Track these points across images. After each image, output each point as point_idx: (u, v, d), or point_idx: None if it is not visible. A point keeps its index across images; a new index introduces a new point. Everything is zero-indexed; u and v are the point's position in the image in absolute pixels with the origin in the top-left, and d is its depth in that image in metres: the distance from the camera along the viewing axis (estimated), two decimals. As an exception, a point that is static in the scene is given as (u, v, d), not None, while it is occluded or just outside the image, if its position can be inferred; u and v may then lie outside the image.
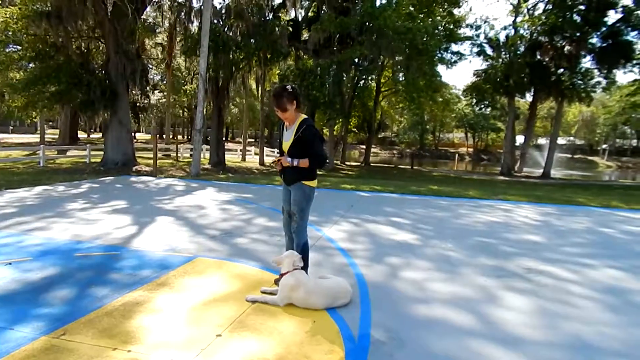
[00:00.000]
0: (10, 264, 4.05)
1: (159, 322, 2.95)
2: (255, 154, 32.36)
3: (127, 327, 2.85)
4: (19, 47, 23.80)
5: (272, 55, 21.42)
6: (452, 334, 2.96)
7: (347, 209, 8.00)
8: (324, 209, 7.81)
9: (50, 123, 51.65)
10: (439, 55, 24.42)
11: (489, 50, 28.25)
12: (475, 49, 28.08)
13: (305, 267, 3.56)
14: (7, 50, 23.89)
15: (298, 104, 3.65)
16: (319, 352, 2.63)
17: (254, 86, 35.11)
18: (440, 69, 47.97)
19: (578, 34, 24.31)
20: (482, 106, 33.29)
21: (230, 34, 19.81)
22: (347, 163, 32.16)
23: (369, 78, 28.92)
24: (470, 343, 2.84)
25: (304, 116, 3.69)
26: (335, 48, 21.87)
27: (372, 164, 31.82)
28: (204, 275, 3.97)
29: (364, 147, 43.60)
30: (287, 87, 3.64)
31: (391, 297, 3.60)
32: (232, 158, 28.12)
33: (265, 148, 28.75)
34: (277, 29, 20.36)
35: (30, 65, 21.77)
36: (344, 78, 23.39)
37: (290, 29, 21.31)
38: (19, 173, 13.09)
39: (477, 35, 28.03)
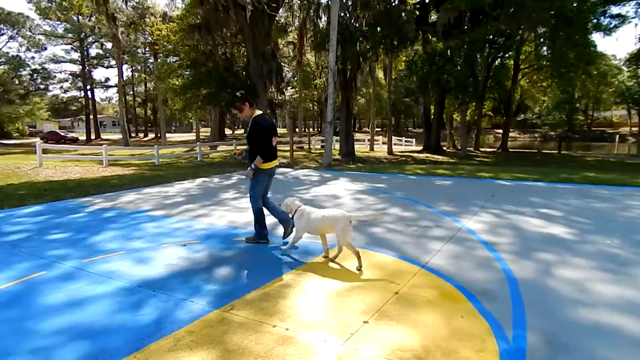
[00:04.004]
0: (184, 245, 4.76)
1: (310, 305, 3.17)
2: (383, 143, 32.31)
3: (283, 307, 3.13)
4: (177, 58, 27.52)
5: (398, 41, 21.03)
6: (625, 346, 2.58)
7: (486, 198, 7.49)
8: (461, 199, 7.45)
9: (203, 122, 58.60)
10: (594, 21, 21.09)
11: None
12: (644, 8, 23.51)
13: (256, 226, 4.78)
14: (168, 60, 27.86)
15: (250, 104, 4.70)
16: (469, 349, 2.53)
17: (380, 75, 34.99)
18: (595, 37, 41.30)
19: None
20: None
21: (357, 25, 20.03)
22: (481, 149, 30.08)
23: (506, 56, 26.46)
24: (654, 357, 2.44)
25: (257, 113, 4.69)
26: (466, 27, 20.49)
27: (510, 150, 29.18)
28: (345, 262, 4.12)
29: (499, 131, 40.30)
30: (236, 94, 4.90)
31: (547, 298, 3.28)
32: (360, 148, 28.54)
33: (393, 137, 28.49)
34: (403, 14, 19.90)
35: (186, 72, 25.12)
36: (478, 58, 21.81)
37: (417, 13, 20.64)
38: (182, 167, 15.26)
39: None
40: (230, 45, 23.08)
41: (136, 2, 31.20)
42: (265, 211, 4.83)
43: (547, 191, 8.44)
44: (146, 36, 33.86)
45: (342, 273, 3.84)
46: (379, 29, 19.42)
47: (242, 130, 58.02)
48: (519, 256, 4.27)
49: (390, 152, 25.65)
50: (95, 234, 5.28)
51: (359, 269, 3.88)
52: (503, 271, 3.84)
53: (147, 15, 31.94)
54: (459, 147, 28.01)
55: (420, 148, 29.10)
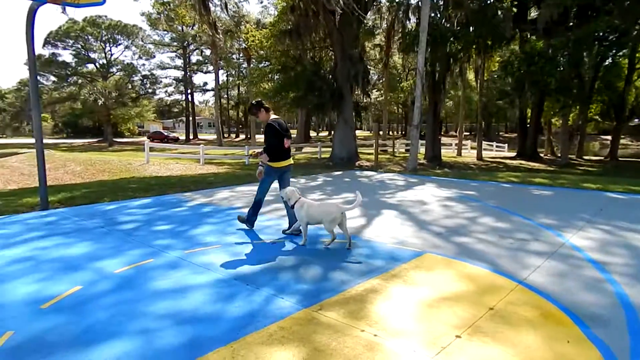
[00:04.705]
0: (274, 243, 4.96)
1: (398, 312, 3.11)
2: (472, 148, 30.82)
3: (370, 312, 3.11)
4: (268, 63, 28.81)
5: (493, 41, 19.87)
6: None
7: (594, 212, 6.78)
8: (563, 211, 6.83)
9: (289, 124, 60.53)
10: None
11: None
12: None
13: (249, 211, 5.53)
14: (260, 66, 29.26)
15: (266, 110, 5.32)
16: (577, 378, 2.30)
17: (470, 77, 33.40)
18: None
19: None
20: None
21: (448, 25, 19.32)
22: (584, 157, 27.32)
23: (619, 54, 23.72)
24: None
25: (272, 117, 5.28)
26: (571, 24, 18.75)
27: (620, 159, 26.09)
28: (433, 271, 3.99)
29: (607, 137, 36.35)
30: (252, 102, 5.49)
31: (673, 329, 2.87)
32: (447, 153, 27.51)
33: (483, 142, 27.02)
34: (499, 12, 18.76)
35: (276, 76, 26.19)
36: (584, 57, 19.83)
37: (515, 10, 19.33)
38: (270, 167, 15.93)
39: None
40: (318, 50, 23.58)
41: (233, 12, 33.22)
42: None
43: (669, 207, 7.40)
44: (240, 43, 35.89)
45: (431, 282, 3.72)
46: (471, 28, 18.53)
47: (326, 133, 59.04)
48: (637, 280, 3.79)
49: (479, 157, 24.37)
50: (195, 227, 5.71)
51: (349, 248, 4.66)
52: (617, 295, 3.43)
53: (243, 23, 33.85)
54: (559, 155, 25.70)
55: (513, 154, 27.25)
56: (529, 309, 3.17)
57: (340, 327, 2.86)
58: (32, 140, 8.39)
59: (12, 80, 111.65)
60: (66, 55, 48.05)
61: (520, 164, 21.45)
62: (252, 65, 34.97)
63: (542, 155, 26.82)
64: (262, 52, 28.98)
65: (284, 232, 5.40)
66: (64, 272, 3.92)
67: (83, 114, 52.94)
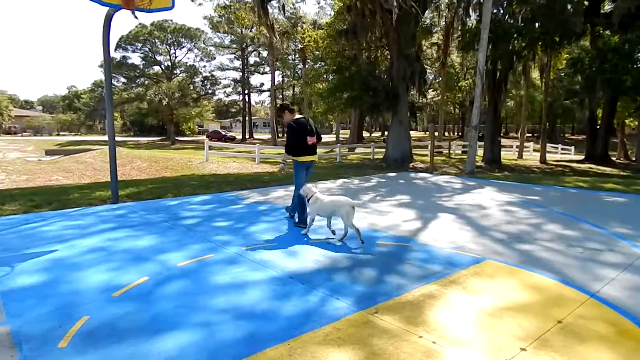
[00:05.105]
0: (328, 242, 4.97)
1: (457, 320, 3.00)
2: (534, 150, 29.22)
3: (428, 318, 3.03)
4: (324, 63, 29.03)
5: (561, 37, 18.69)
6: None
7: (676, 223, 6.18)
8: None
9: (342, 124, 60.65)
10: None
11: None
12: None
13: (297, 210, 5.82)
14: (316, 66, 29.55)
15: (290, 111, 5.93)
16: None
17: (534, 75, 31.66)
18: None
19: None
20: None
21: (512, 21, 18.43)
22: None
23: None
24: None
25: (295, 117, 5.85)
26: (651, 17, 17.21)
27: None
28: (495, 279, 3.82)
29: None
30: (278, 106, 6.60)
31: None
32: (507, 155, 26.25)
33: (547, 144, 25.52)
34: (569, 6, 17.62)
35: (331, 77, 26.30)
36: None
37: (586, 3, 18.09)
38: (323, 167, 16.03)
39: None
40: (374, 49, 23.38)
41: (290, 13, 33.80)
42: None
43: None
44: (296, 43, 36.44)
45: (492, 290, 3.56)
46: (537, 24, 17.54)
47: (379, 133, 58.47)
48: None
49: (543, 160, 23.05)
50: (251, 225, 5.87)
51: (362, 242, 4.88)
52: None
53: (299, 24, 34.34)
54: (633, 159, 23.71)
55: (580, 157, 25.51)
56: (602, 324, 2.95)
57: (397, 332, 2.81)
58: (104, 138, 9.03)
59: (86, 81, 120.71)
60: (135, 58, 51.25)
61: (589, 168, 20.03)
62: (307, 66, 35.39)
63: (613, 159, 24.89)
64: (317, 52, 29.25)
65: (286, 209, 6.55)
66: (132, 263, 4.17)
67: (148, 114, 56.15)
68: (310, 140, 5.76)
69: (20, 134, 59.09)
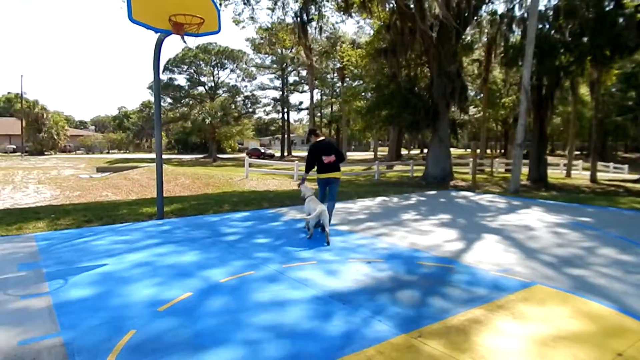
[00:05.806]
0: (369, 262, 4.91)
1: (507, 348, 2.86)
2: (584, 169, 27.83)
3: (475, 344, 2.91)
4: (362, 81, 29.20)
5: (612, 51, 17.89)
6: None
7: None
8: None
9: (380, 142, 60.42)
10: None
11: None
12: None
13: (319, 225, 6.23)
14: (354, 84, 29.79)
15: (315, 135, 6.83)
16: None
17: (582, 91, 30.37)
18: None
19: None
20: None
21: (558, 36, 17.87)
22: None
23: None
24: None
25: (316, 141, 6.74)
26: None
27: None
28: (546, 306, 3.62)
29: None
30: (307, 131, 7.78)
31: None
32: (553, 174, 25.15)
33: (597, 162, 24.25)
34: (620, 19, 16.89)
35: (370, 94, 26.38)
36: None
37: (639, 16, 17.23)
38: (361, 185, 15.95)
39: None
40: (414, 67, 23.29)
41: (330, 33, 34.38)
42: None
43: None
44: (335, 62, 36.87)
45: (544, 317, 3.37)
46: (585, 38, 16.91)
47: (417, 151, 57.69)
48: None
49: (594, 179, 21.88)
50: (291, 242, 5.89)
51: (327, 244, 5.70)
52: None
53: (338, 44, 34.80)
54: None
55: (635, 176, 24.06)
56: (669, 360, 2.72)
57: (442, 358, 2.71)
58: (149, 155, 9.41)
59: (135, 102, 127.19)
60: (181, 79, 53.54)
61: (646, 188, 18.82)
62: (345, 84, 35.71)
63: (673, 178, 23.28)
64: (356, 70, 29.48)
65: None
66: (177, 278, 4.28)
67: (192, 132, 58.17)
68: (326, 159, 6.50)
69: (74, 152, 62.82)
